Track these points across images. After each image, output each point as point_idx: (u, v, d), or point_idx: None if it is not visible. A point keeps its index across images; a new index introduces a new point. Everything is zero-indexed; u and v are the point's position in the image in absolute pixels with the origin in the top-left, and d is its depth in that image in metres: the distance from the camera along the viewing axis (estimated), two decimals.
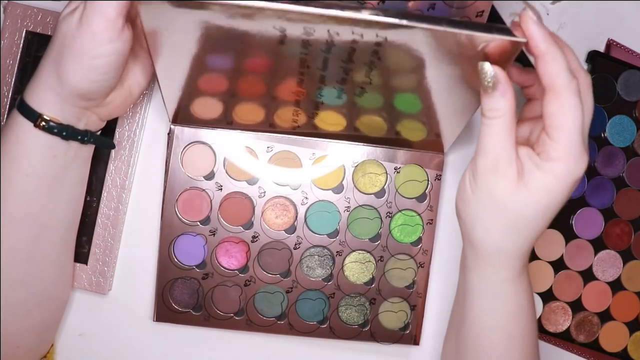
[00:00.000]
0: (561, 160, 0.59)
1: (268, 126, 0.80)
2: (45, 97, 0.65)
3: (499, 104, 0.59)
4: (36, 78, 0.66)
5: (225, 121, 0.79)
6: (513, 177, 0.60)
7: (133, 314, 0.84)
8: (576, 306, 0.88)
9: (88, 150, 0.73)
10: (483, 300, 0.68)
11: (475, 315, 0.69)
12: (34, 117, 0.65)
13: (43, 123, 0.65)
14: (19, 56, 0.80)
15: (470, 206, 0.64)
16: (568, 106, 0.57)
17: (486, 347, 0.70)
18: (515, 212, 0.61)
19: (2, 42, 0.79)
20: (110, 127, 0.80)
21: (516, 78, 0.67)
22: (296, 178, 0.82)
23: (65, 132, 0.67)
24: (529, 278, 0.69)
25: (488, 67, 0.58)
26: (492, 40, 0.56)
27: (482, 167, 0.61)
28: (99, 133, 0.73)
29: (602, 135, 0.87)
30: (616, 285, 0.88)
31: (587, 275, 0.88)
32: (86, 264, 0.81)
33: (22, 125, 0.66)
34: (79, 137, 0.69)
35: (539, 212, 0.61)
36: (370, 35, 0.58)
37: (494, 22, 0.81)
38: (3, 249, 0.68)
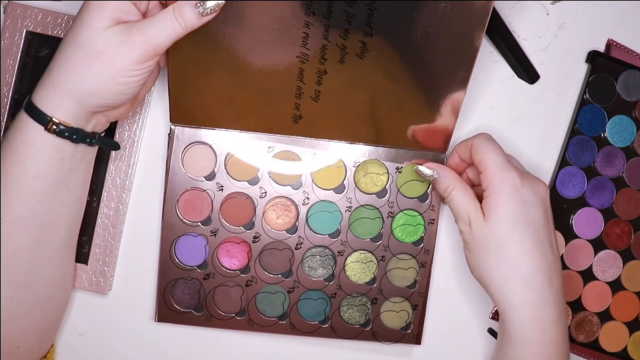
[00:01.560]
0: (491, 179, 0.73)
1: (270, 119, 0.80)
2: (60, 101, 0.66)
3: (445, 182, 0.77)
4: (49, 82, 0.66)
5: (227, 115, 0.79)
6: (481, 219, 0.73)
7: (133, 314, 0.84)
8: (576, 306, 0.88)
9: (93, 151, 0.73)
10: (511, 347, 0.74)
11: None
12: (45, 120, 0.66)
13: (54, 127, 0.66)
14: (19, 56, 0.79)
15: (469, 261, 0.77)
16: (479, 142, 0.76)
17: None
18: (492, 242, 0.73)
19: (2, 42, 0.79)
20: (110, 127, 0.79)
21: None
22: (297, 178, 0.82)
23: (76, 135, 0.67)
24: (560, 333, 0.74)
25: (422, 168, 0.79)
26: None
27: (462, 228, 0.76)
28: (103, 134, 0.73)
29: (602, 135, 0.87)
30: (616, 285, 0.88)
31: (587, 275, 0.88)
32: (86, 264, 0.81)
33: (31, 127, 0.66)
34: (88, 140, 0.69)
35: (505, 228, 0.72)
36: None
37: (495, 22, 0.82)
38: (7, 250, 0.68)
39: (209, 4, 0.66)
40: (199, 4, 0.66)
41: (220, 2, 0.66)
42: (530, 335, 0.72)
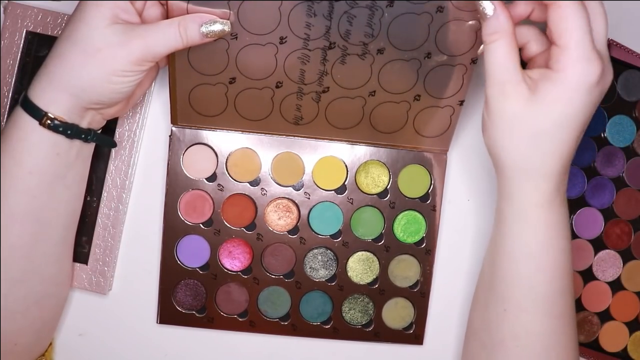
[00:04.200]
0: (569, 65, 0.61)
1: (270, 122, 0.79)
2: (55, 96, 0.66)
3: (495, 25, 0.62)
4: (45, 76, 0.67)
5: (228, 116, 0.79)
6: (523, 94, 0.63)
7: (133, 314, 0.84)
8: (576, 306, 0.86)
9: (89, 148, 0.73)
10: (513, 226, 0.69)
11: (505, 244, 0.70)
12: (40, 115, 0.66)
13: (48, 121, 0.66)
14: (19, 56, 0.79)
15: (488, 130, 0.66)
16: (569, 9, 0.61)
17: (515, 277, 0.70)
18: (531, 126, 0.63)
19: (2, 42, 0.79)
20: (110, 127, 0.80)
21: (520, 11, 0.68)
22: (299, 179, 0.82)
23: (70, 130, 0.68)
24: (564, 214, 0.69)
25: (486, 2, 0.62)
26: None
27: (491, 92, 0.64)
28: (99, 131, 0.73)
29: (602, 135, 0.87)
30: (616, 285, 0.89)
31: (587, 275, 0.88)
32: (86, 264, 0.81)
33: (26, 122, 0.67)
34: (83, 136, 0.70)
35: (556, 123, 0.63)
36: None
37: None
38: (3, 246, 0.69)
39: (216, 28, 0.67)
40: (206, 26, 0.67)
41: (226, 28, 0.68)
42: (533, 216, 0.67)
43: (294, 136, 0.81)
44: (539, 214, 0.67)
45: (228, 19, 0.68)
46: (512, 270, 0.70)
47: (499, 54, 0.63)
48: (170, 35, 0.66)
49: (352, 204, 0.83)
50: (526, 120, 0.63)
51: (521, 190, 0.67)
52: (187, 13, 0.67)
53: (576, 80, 0.61)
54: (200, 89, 0.75)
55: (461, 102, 0.77)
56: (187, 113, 0.78)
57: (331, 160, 0.82)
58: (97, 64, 0.65)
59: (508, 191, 0.68)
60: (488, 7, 0.62)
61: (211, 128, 0.80)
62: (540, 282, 0.69)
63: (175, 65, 0.73)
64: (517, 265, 0.70)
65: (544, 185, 0.66)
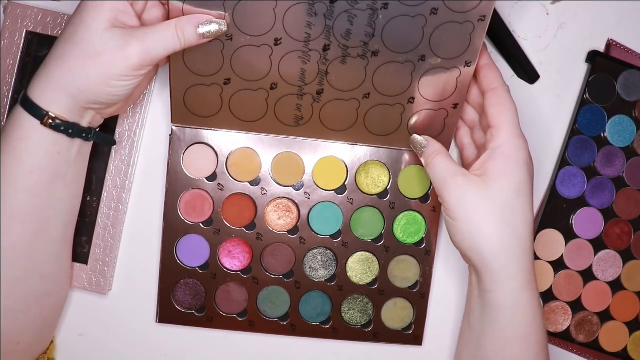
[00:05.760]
0: (505, 141, 0.71)
1: (269, 122, 0.79)
2: (54, 96, 0.66)
3: (431, 149, 0.76)
4: (44, 76, 0.67)
5: (223, 117, 0.79)
6: (475, 180, 0.71)
7: (134, 314, 0.84)
8: (576, 306, 0.88)
9: (89, 146, 0.74)
10: (504, 312, 0.72)
11: (495, 330, 0.73)
12: (41, 115, 0.66)
13: (50, 121, 0.66)
14: (19, 56, 0.79)
15: (459, 232, 0.72)
16: (504, 95, 0.73)
17: (507, 358, 0.73)
18: (494, 204, 0.70)
19: (2, 42, 0.79)
20: (110, 126, 0.80)
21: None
22: (299, 179, 0.82)
23: (72, 129, 0.68)
24: (538, 292, 0.73)
25: (419, 138, 0.78)
26: None
27: (447, 190, 0.72)
28: (98, 129, 0.74)
29: (602, 135, 0.87)
30: (616, 285, 0.89)
31: (587, 275, 0.88)
32: (86, 264, 0.81)
33: (26, 121, 0.67)
34: (84, 135, 0.70)
35: (512, 193, 0.71)
36: None
37: (495, 22, 0.82)
38: (4, 245, 0.69)
39: (213, 28, 0.68)
40: (202, 26, 0.67)
41: (223, 28, 0.68)
42: (522, 299, 0.71)
43: (295, 136, 0.81)
44: (527, 294, 0.71)
45: (224, 20, 0.68)
46: (504, 353, 0.73)
47: (442, 163, 0.74)
48: (169, 38, 0.66)
49: (352, 204, 0.83)
50: (487, 199, 0.70)
51: (509, 275, 0.71)
52: (183, 14, 0.67)
53: (513, 154, 0.71)
54: (195, 89, 0.75)
55: (455, 106, 0.77)
56: (182, 114, 0.78)
57: (331, 161, 0.82)
58: (96, 67, 0.65)
59: (495, 280, 0.71)
60: (423, 143, 0.77)
61: (211, 128, 0.80)
62: (530, 358, 0.73)
63: (172, 64, 0.73)
64: (508, 348, 0.73)
65: (525, 264, 0.71)
